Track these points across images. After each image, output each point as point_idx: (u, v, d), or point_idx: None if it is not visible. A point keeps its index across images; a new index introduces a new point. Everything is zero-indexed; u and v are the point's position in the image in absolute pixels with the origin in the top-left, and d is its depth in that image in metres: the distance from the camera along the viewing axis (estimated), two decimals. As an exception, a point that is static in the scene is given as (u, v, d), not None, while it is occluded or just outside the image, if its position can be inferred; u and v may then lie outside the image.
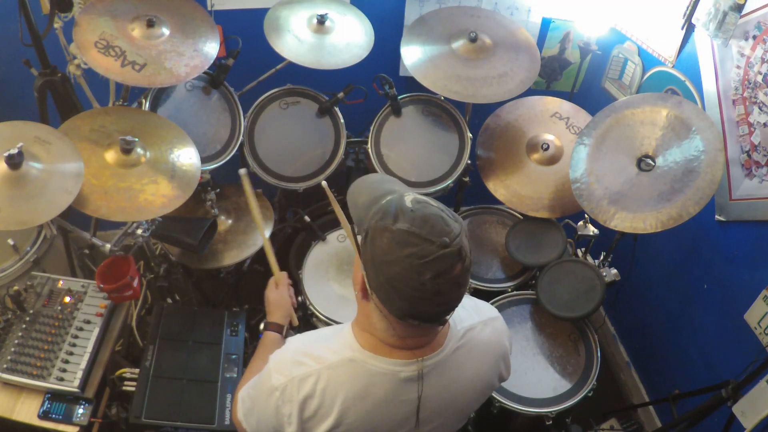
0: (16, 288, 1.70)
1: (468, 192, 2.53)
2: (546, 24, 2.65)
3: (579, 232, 2.11)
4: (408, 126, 2.31)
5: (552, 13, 2.62)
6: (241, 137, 2.15)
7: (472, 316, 1.17)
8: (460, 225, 0.94)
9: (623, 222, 1.80)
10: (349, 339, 1.06)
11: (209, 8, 2.32)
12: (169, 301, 2.21)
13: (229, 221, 2.26)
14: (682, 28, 2.06)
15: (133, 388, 1.67)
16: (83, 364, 1.59)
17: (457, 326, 1.12)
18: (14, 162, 1.42)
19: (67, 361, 1.59)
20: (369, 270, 0.95)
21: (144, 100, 1.97)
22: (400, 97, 2.27)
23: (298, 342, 1.13)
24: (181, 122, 1.94)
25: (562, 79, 2.83)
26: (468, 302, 1.19)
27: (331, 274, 2.14)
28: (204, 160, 2.00)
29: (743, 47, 1.80)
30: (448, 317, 0.99)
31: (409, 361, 1.03)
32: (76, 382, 1.56)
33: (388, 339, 1.03)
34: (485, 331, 1.17)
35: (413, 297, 0.90)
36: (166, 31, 1.84)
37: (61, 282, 1.79)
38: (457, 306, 0.97)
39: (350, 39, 2.18)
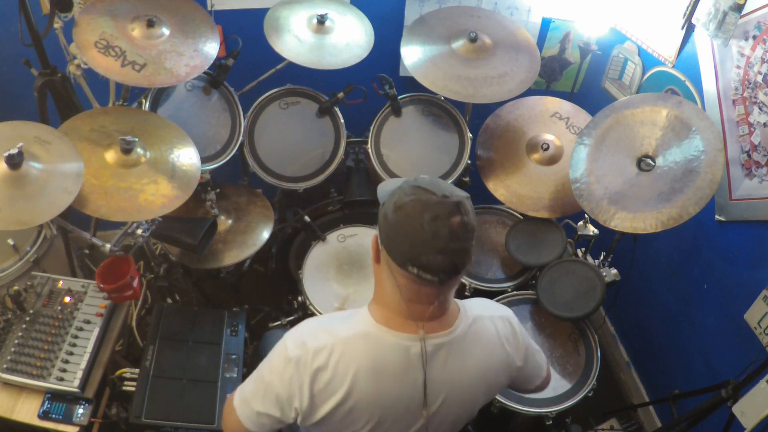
0: (16, 288, 1.70)
1: (468, 192, 2.51)
2: (546, 24, 2.65)
3: (579, 232, 2.11)
4: (408, 126, 2.31)
5: (552, 13, 2.62)
6: (241, 137, 2.15)
7: (483, 311, 1.21)
8: (467, 196, 1.04)
9: (623, 222, 1.80)
10: (364, 315, 1.11)
11: (209, 8, 2.32)
12: (169, 301, 2.21)
13: (229, 221, 2.26)
14: (682, 28, 2.06)
15: (133, 388, 1.67)
16: (83, 364, 1.59)
17: (467, 313, 1.16)
18: (14, 162, 1.42)
19: (67, 361, 1.59)
20: (381, 224, 1.05)
21: (144, 100, 1.97)
22: (400, 97, 2.27)
23: (314, 320, 1.19)
24: (181, 122, 1.93)
25: (562, 79, 2.83)
26: (480, 300, 1.24)
27: (331, 274, 2.14)
28: (204, 160, 2.00)
29: (743, 47, 1.80)
30: (446, 278, 1.03)
31: (420, 336, 1.07)
32: (76, 382, 1.55)
33: (397, 306, 1.07)
34: (495, 325, 1.20)
35: (413, 239, 0.98)
36: (166, 31, 1.84)
37: (61, 282, 1.79)
38: (455, 265, 1.01)
39: (350, 39, 2.18)
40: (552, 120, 2.28)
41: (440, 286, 1.04)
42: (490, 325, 1.19)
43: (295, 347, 1.09)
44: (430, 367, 1.08)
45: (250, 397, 1.16)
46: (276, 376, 1.10)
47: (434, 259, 0.99)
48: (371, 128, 2.28)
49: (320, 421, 1.11)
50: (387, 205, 1.04)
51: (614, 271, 2.03)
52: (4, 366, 1.55)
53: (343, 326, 1.11)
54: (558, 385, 1.88)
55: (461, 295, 2.15)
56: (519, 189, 2.20)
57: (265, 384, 1.12)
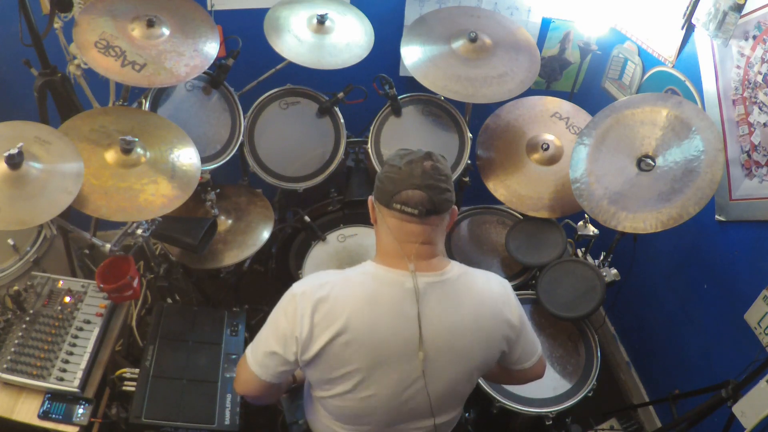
0: (16, 288, 1.70)
1: (468, 192, 2.53)
2: (546, 24, 2.65)
3: (579, 232, 2.11)
4: (408, 126, 2.31)
5: (552, 13, 2.62)
6: (241, 137, 2.15)
7: (476, 271, 1.31)
8: (443, 157, 1.24)
9: (623, 222, 1.80)
10: (366, 262, 1.27)
11: (209, 8, 2.32)
12: (169, 301, 2.21)
13: (229, 221, 2.26)
14: (682, 28, 2.06)
15: (133, 388, 1.67)
16: (83, 364, 1.59)
17: (460, 267, 1.27)
18: (14, 162, 1.42)
19: (67, 361, 1.59)
20: (375, 183, 1.25)
21: (144, 100, 1.97)
22: (400, 97, 2.27)
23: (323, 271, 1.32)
24: (181, 122, 1.94)
25: (562, 79, 2.83)
26: (475, 269, 1.32)
27: (331, 274, 2.14)
28: (204, 160, 2.00)
29: (743, 47, 1.80)
30: (425, 212, 1.17)
31: (411, 273, 1.19)
32: (76, 382, 1.55)
33: (390, 248, 1.22)
34: (488, 282, 1.29)
35: (394, 179, 1.19)
36: (166, 31, 1.84)
37: (61, 282, 1.79)
38: (432, 200, 1.17)
39: (350, 39, 2.18)
40: (552, 120, 2.28)
41: (422, 222, 1.19)
42: (482, 279, 1.29)
43: (300, 285, 1.23)
44: (423, 303, 1.18)
45: (258, 341, 1.27)
46: (281, 313, 1.21)
47: (413, 194, 1.17)
48: (371, 128, 2.28)
49: (318, 356, 1.18)
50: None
51: (614, 271, 2.03)
52: (4, 366, 1.54)
53: (347, 270, 1.25)
54: (558, 385, 1.88)
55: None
56: (519, 189, 2.20)
57: (271, 322, 1.24)
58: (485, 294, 1.26)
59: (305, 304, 1.17)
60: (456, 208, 1.28)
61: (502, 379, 1.64)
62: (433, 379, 1.22)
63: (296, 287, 1.22)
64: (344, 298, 1.17)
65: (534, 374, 1.42)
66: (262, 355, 1.24)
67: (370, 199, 1.29)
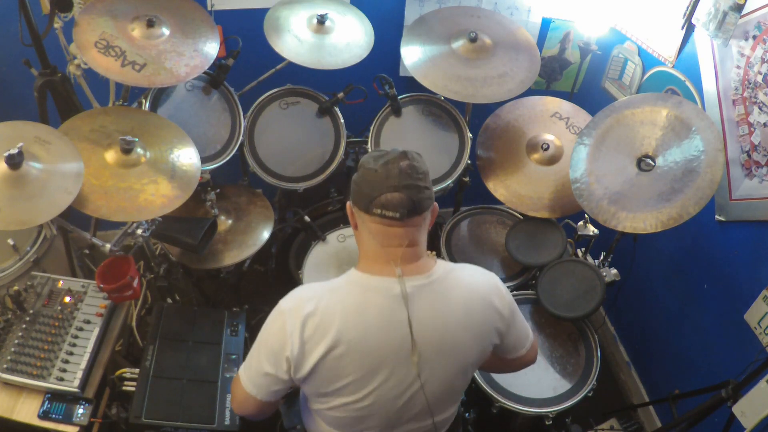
0: (16, 288, 1.70)
1: (468, 192, 2.53)
2: (546, 24, 2.65)
3: (579, 232, 2.11)
4: (408, 126, 2.31)
5: (552, 13, 2.62)
6: (241, 137, 2.15)
7: (463, 266, 1.31)
8: (419, 154, 1.20)
9: (623, 222, 1.80)
10: (351, 271, 1.24)
11: (209, 8, 2.32)
12: (169, 301, 2.21)
13: (229, 221, 2.26)
14: (682, 28, 2.06)
15: (133, 388, 1.67)
16: (83, 364, 1.59)
17: (446, 265, 1.26)
18: (14, 162, 1.42)
19: (67, 361, 1.59)
20: (351, 187, 1.21)
21: (144, 100, 1.97)
22: (400, 97, 2.27)
23: (309, 283, 1.31)
24: (181, 122, 1.94)
25: (562, 79, 2.83)
26: (461, 264, 1.33)
27: (331, 274, 2.14)
28: (204, 160, 2.00)
29: (743, 47, 1.80)
30: (406, 213, 1.14)
31: (398, 279, 1.17)
32: (76, 382, 1.55)
33: (375, 254, 1.19)
34: (475, 276, 1.29)
35: (371, 183, 1.15)
36: (166, 31, 1.84)
37: (61, 282, 1.79)
38: (412, 201, 1.14)
39: (350, 39, 2.18)
40: (552, 120, 2.28)
41: (405, 224, 1.17)
42: (469, 275, 1.28)
43: (287, 301, 1.20)
44: (412, 307, 1.16)
45: (249, 362, 1.25)
46: (269, 331, 1.20)
47: (392, 197, 1.13)
48: (371, 128, 2.27)
49: (312, 372, 1.16)
50: (354, 173, 1.23)
51: (614, 271, 2.03)
52: (4, 366, 1.55)
53: (332, 281, 1.23)
54: (558, 385, 1.88)
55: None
56: (519, 189, 2.20)
57: (261, 342, 1.22)
58: (474, 286, 1.26)
59: (293, 321, 1.15)
60: (437, 204, 1.25)
61: (496, 368, 1.63)
62: (429, 380, 1.21)
63: (283, 304, 1.20)
64: (332, 310, 1.15)
65: (528, 360, 1.44)
66: (256, 375, 1.22)
67: (348, 204, 1.25)
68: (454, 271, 1.25)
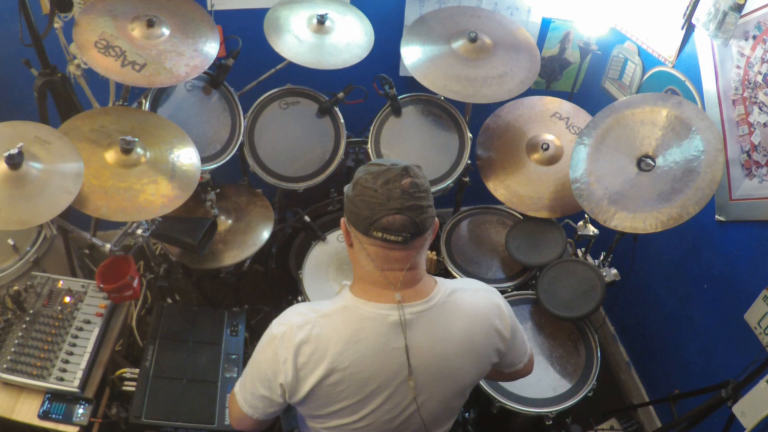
0: (16, 288, 1.70)
1: (468, 192, 2.53)
2: (546, 24, 2.65)
3: (579, 232, 2.11)
4: (408, 126, 2.31)
5: (552, 13, 2.62)
6: (241, 137, 2.15)
7: (463, 284, 1.26)
8: (416, 164, 1.12)
9: (623, 222, 1.79)
10: (345, 293, 1.18)
11: (209, 8, 2.31)
12: (169, 301, 2.21)
13: (229, 221, 2.26)
14: (682, 28, 2.06)
15: (133, 388, 1.67)
16: (83, 364, 1.59)
17: (445, 285, 1.21)
18: (14, 162, 1.42)
19: (67, 361, 1.59)
20: (345, 205, 1.14)
21: (144, 100, 1.97)
22: (400, 97, 2.27)
23: (298, 304, 1.25)
24: (181, 122, 1.94)
25: (562, 79, 2.83)
26: (461, 279, 1.30)
27: (331, 274, 2.14)
28: (204, 160, 2.00)
29: (743, 47, 1.80)
30: (408, 237, 1.08)
31: (397, 305, 1.12)
32: (76, 382, 1.55)
33: (372, 277, 1.13)
34: (476, 296, 1.24)
35: (371, 205, 1.07)
36: (166, 31, 1.84)
37: (61, 282, 1.79)
38: (414, 223, 1.07)
39: (350, 39, 2.18)
40: (552, 120, 2.28)
41: (407, 248, 1.10)
42: (471, 296, 1.23)
43: (279, 326, 1.15)
44: (411, 334, 1.12)
45: (244, 381, 1.22)
46: (262, 356, 1.16)
47: (393, 220, 1.06)
48: (371, 128, 2.28)
49: (307, 397, 1.14)
50: (347, 187, 1.14)
51: (614, 271, 2.03)
52: (4, 366, 1.55)
53: (325, 305, 1.18)
54: (558, 385, 1.88)
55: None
56: (519, 189, 2.20)
57: (255, 365, 1.18)
58: (475, 309, 1.21)
59: (285, 349, 1.11)
60: (438, 220, 1.18)
61: (491, 378, 1.62)
62: (426, 402, 1.19)
63: (275, 328, 1.16)
64: (327, 337, 1.11)
65: (524, 373, 1.43)
66: (251, 397, 1.20)
67: (343, 220, 1.17)
68: (454, 293, 1.20)
